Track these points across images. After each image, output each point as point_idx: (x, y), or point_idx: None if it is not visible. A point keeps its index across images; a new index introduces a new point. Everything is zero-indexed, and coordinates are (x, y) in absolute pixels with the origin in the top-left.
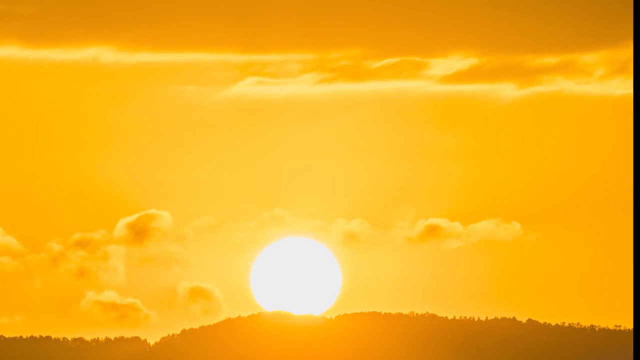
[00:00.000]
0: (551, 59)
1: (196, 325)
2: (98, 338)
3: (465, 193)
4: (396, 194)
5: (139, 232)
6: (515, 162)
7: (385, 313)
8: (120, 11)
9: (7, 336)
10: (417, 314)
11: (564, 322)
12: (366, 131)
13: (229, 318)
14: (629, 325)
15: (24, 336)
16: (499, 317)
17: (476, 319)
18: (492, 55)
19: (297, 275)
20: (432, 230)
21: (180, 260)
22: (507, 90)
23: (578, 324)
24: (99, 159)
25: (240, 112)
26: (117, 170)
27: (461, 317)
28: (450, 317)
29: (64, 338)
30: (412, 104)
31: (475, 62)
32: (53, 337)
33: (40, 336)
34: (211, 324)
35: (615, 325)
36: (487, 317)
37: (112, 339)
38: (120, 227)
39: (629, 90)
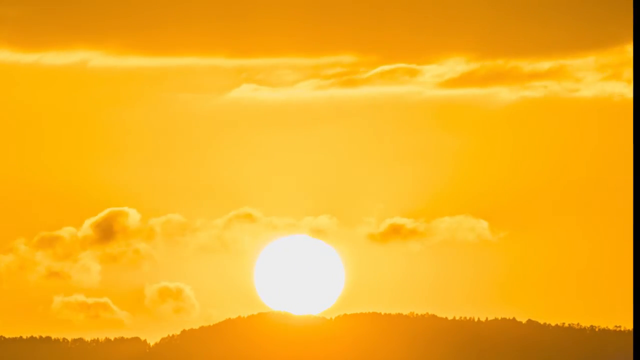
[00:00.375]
0: (544, 64)
1: (196, 326)
2: (98, 338)
3: (455, 193)
4: (372, 193)
5: (106, 230)
6: (508, 165)
7: (385, 314)
8: (110, 15)
9: (7, 337)
10: (417, 314)
11: (563, 323)
12: (352, 136)
13: (229, 318)
14: (629, 325)
15: (24, 337)
16: (499, 318)
17: (476, 319)
18: (485, 61)
19: (297, 275)
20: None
21: (151, 259)
22: (500, 95)
23: (578, 324)
24: (66, 158)
25: (225, 117)
26: (84, 168)
27: (461, 317)
28: (450, 317)
29: (64, 339)
30: (403, 110)
31: (469, 68)
32: (53, 338)
33: (40, 337)
34: (211, 324)
35: (615, 326)
36: (487, 318)
37: (112, 339)
38: (87, 225)
39: (621, 94)
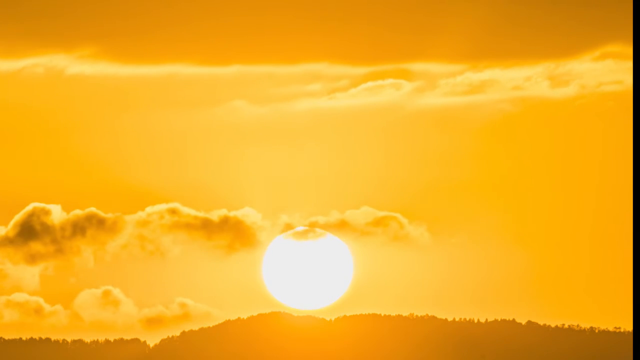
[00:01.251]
0: (533, 68)
1: (196, 327)
2: (97, 340)
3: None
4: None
5: (32, 227)
6: (503, 167)
7: (385, 315)
8: (87, 19)
9: (6, 338)
10: (416, 315)
11: (563, 324)
12: (335, 145)
13: (229, 320)
14: (629, 327)
15: (24, 338)
16: (499, 319)
17: (476, 320)
18: (471, 71)
19: (299, 274)
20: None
21: (81, 257)
22: (483, 104)
23: (578, 325)
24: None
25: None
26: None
27: (461, 318)
28: (450, 318)
29: (64, 340)
30: (390, 115)
31: (455, 80)
32: (52, 339)
33: (40, 338)
34: (210, 325)
35: (615, 327)
36: (487, 319)
37: (112, 340)
38: (13, 223)
39: (606, 104)
